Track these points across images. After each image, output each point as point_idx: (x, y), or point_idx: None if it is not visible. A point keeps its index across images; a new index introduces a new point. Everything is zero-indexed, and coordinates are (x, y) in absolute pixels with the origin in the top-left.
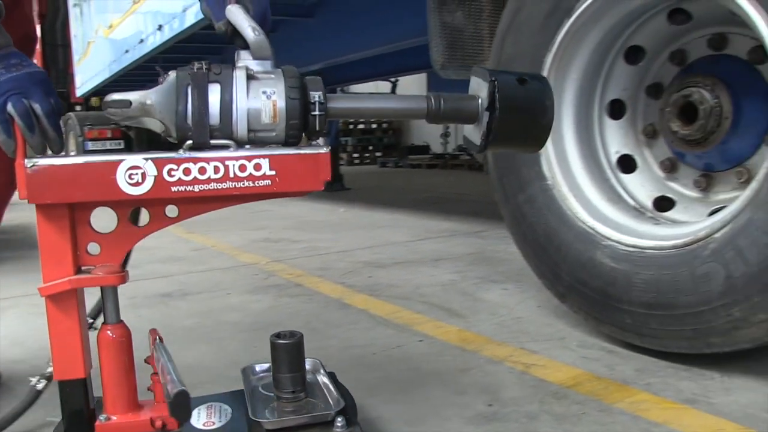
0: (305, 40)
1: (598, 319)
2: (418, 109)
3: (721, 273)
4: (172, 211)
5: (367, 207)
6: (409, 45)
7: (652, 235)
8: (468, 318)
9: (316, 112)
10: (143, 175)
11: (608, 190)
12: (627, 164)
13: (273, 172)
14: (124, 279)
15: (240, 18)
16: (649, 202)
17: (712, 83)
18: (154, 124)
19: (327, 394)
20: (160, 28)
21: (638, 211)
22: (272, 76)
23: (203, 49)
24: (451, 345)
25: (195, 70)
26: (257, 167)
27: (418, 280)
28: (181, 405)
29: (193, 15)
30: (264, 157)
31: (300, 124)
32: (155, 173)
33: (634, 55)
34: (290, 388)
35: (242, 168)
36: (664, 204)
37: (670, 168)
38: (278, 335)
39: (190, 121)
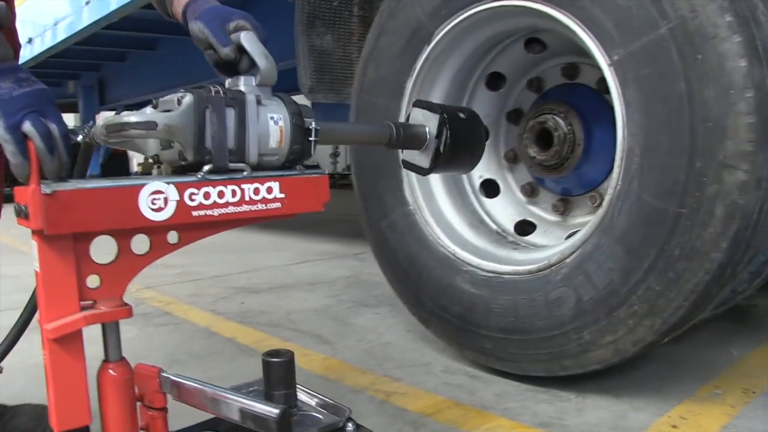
0: (178, 62)
1: (460, 345)
2: (382, 135)
3: (572, 297)
4: (172, 237)
5: (248, 229)
6: (283, 67)
7: (511, 261)
8: (336, 344)
9: (312, 138)
10: (165, 200)
11: (470, 215)
12: (490, 189)
13: (283, 195)
14: (131, 312)
15: (255, 44)
16: (511, 227)
17: (565, 111)
18: (149, 146)
19: (317, 406)
20: (30, 41)
21: (500, 236)
22: (274, 102)
23: (80, 65)
24: (315, 374)
25: (212, 94)
26: (269, 190)
27: (290, 306)
28: (287, 424)
29: (65, 29)
30: (275, 180)
31: (301, 149)
32: (177, 198)
33: (495, 81)
34: (285, 404)
35: (256, 191)
36: (525, 228)
37: (530, 192)
38: (269, 354)
39: (209, 144)
